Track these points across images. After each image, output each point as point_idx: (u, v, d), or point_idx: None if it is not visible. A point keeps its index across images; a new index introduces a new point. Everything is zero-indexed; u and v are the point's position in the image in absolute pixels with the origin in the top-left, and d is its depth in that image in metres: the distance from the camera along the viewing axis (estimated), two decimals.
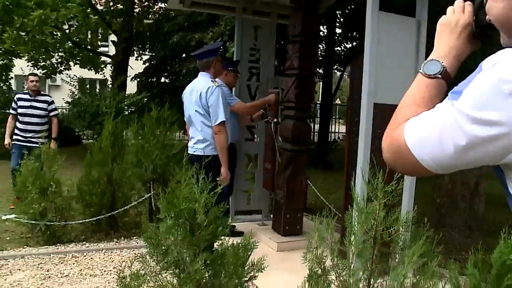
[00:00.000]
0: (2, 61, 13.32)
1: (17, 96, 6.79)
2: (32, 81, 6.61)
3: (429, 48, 3.76)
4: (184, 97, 4.49)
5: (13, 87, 17.84)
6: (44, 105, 6.62)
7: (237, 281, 2.57)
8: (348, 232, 2.33)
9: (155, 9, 16.25)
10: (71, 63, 14.09)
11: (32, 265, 4.45)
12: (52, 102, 6.77)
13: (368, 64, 3.43)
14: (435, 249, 2.33)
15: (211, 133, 4.24)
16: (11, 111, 6.68)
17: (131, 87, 16.69)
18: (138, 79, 15.96)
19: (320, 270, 2.38)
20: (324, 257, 2.38)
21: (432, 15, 3.72)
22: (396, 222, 2.32)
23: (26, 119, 6.53)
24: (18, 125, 6.56)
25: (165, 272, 2.60)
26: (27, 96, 6.63)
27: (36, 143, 6.04)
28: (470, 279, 2.35)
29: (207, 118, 4.24)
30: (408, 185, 3.76)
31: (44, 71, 13.50)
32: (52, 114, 6.69)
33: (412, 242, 2.29)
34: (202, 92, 4.21)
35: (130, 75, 15.58)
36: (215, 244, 2.69)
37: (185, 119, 4.52)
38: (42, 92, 6.85)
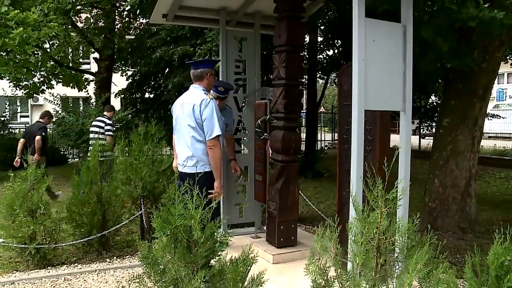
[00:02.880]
0: None
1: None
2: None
3: (415, 52, 3.75)
4: (174, 110, 4.38)
5: None
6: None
7: None
8: (351, 243, 2.29)
9: (136, 24, 16.20)
10: (54, 82, 13.91)
11: None
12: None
13: (357, 71, 3.41)
14: (439, 256, 2.30)
15: (202, 149, 4.12)
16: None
17: (115, 104, 16.57)
18: (122, 96, 15.85)
19: (323, 282, 2.33)
20: (327, 268, 2.33)
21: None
22: (398, 230, 2.29)
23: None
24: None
25: None
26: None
27: None
28: (469, 283, 2.33)
29: (198, 132, 4.11)
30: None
31: (26, 91, 13.30)
32: (107, 133, 8.70)
33: (415, 249, 2.26)
34: (195, 105, 4.09)
35: (113, 92, 15.45)
36: (212, 260, 2.63)
37: (173, 133, 4.41)
38: None
